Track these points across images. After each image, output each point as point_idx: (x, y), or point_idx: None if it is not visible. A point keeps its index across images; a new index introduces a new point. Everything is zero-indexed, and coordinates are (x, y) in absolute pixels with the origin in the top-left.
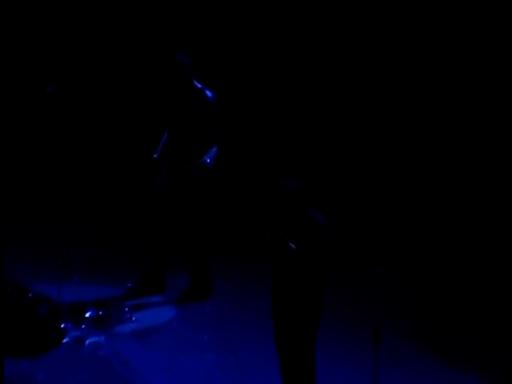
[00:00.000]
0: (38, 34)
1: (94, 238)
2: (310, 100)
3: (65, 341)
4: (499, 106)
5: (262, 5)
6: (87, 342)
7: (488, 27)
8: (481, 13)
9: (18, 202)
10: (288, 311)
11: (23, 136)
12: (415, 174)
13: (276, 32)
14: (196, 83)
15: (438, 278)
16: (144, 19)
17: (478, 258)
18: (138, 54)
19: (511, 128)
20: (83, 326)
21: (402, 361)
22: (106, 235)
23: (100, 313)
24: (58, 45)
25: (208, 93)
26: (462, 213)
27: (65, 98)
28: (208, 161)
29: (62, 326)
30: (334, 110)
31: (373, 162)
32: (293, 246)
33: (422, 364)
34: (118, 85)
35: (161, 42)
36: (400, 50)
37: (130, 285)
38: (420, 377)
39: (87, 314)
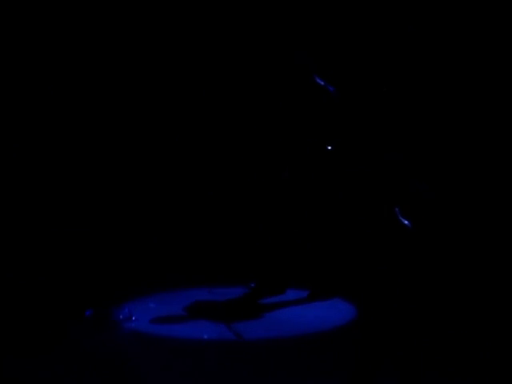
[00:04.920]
0: (39, 33)
1: (94, 238)
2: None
3: (65, 341)
4: (499, 106)
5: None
6: (87, 341)
7: (488, 27)
8: (481, 13)
9: (17, 202)
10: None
11: (23, 136)
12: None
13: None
14: (318, 80)
15: (437, 277)
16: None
17: (478, 256)
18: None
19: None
20: (84, 326)
21: None
22: (106, 235)
23: (100, 313)
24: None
25: (331, 89)
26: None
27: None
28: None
29: (63, 325)
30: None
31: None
32: (405, 221)
33: (423, 364)
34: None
35: (279, 42)
36: (400, 50)
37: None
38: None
39: (87, 314)
